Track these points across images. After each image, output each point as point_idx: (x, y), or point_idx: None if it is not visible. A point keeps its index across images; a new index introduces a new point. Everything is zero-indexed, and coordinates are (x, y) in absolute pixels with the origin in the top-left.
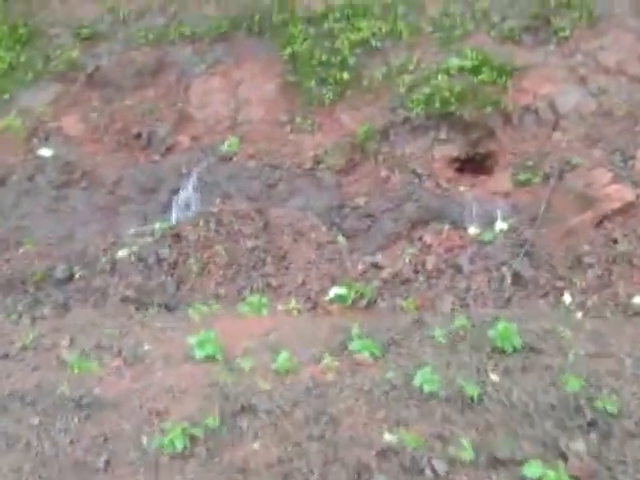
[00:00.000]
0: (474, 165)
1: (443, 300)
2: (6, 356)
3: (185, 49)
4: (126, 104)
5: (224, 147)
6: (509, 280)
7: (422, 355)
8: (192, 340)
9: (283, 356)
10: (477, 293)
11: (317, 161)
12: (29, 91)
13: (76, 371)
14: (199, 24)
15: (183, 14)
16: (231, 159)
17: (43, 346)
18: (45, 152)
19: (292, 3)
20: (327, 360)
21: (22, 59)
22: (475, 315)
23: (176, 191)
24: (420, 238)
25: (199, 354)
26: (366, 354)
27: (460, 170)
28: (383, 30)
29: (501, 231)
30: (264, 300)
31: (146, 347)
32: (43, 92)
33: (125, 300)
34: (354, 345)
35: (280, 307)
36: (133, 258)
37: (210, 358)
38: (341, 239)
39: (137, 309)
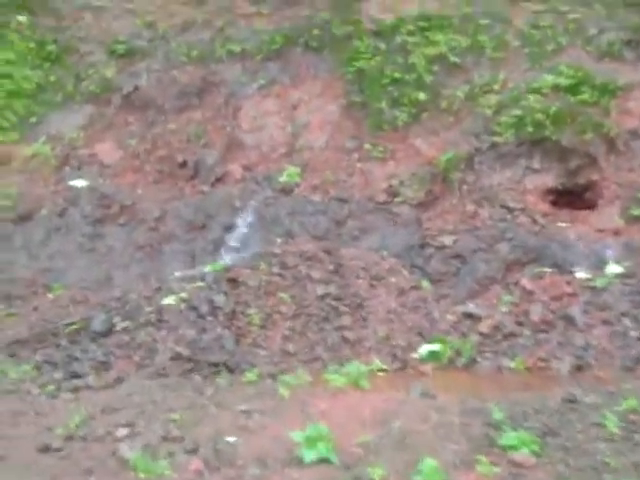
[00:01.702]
0: (572, 198)
1: (560, 360)
2: (46, 449)
3: (234, 67)
4: (169, 128)
5: (282, 177)
6: (635, 334)
7: (595, 452)
8: (298, 437)
9: (429, 465)
10: (598, 351)
11: (392, 193)
12: (59, 114)
13: (142, 476)
14: (249, 39)
15: (231, 29)
16: (291, 191)
17: (94, 435)
18: (78, 183)
19: (357, 14)
20: (482, 464)
21: (51, 79)
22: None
23: (229, 228)
24: (517, 283)
25: (308, 456)
26: (525, 452)
27: (556, 203)
28: (463, 44)
29: (616, 276)
30: (363, 369)
31: (230, 440)
32: (75, 115)
33: (176, 358)
34: (507, 439)
35: (362, 367)
36: (182, 306)
37: (324, 461)
38: (426, 284)
39: (191, 371)
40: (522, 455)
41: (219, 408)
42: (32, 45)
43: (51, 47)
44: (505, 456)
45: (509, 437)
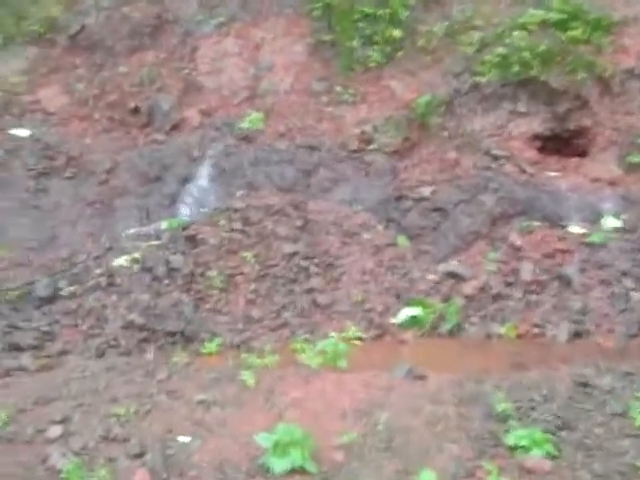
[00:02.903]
0: (562, 144)
1: (555, 326)
2: None
3: (190, 3)
4: (119, 71)
5: (244, 124)
6: (637, 295)
7: (621, 452)
8: (265, 441)
9: (427, 477)
10: (598, 315)
11: (364, 140)
12: None
13: None
14: None
15: None
16: (255, 139)
17: (22, 436)
18: (20, 132)
19: None
20: (488, 474)
21: None
22: None
23: (186, 180)
24: (504, 239)
25: (279, 466)
26: (537, 454)
27: (544, 150)
28: None
29: (614, 230)
30: (341, 347)
31: (184, 441)
32: (16, 58)
33: (129, 327)
34: (515, 437)
35: (334, 334)
36: (135, 268)
37: (297, 472)
38: (403, 240)
39: (145, 341)
40: (535, 459)
41: (172, 398)
42: None
43: None
44: (514, 460)
45: (517, 435)
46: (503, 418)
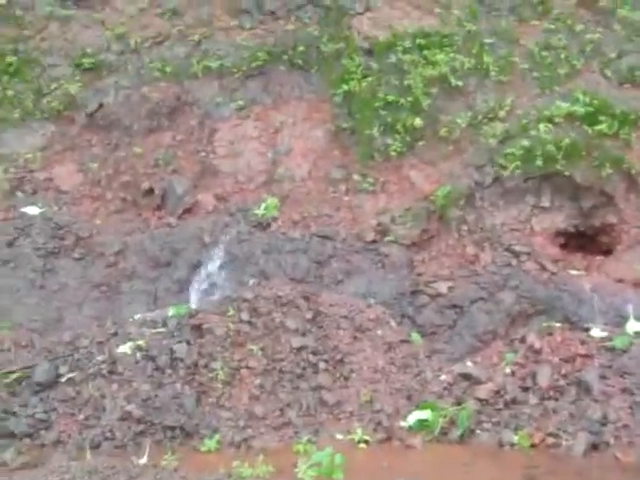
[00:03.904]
0: (586, 242)
1: (572, 436)
2: None
3: (211, 85)
4: (135, 152)
5: (259, 210)
6: None
7: None
8: None
9: None
10: (618, 426)
11: (381, 232)
12: (15, 132)
13: None
14: (228, 55)
15: (209, 43)
16: (269, 226)
17: None
18: (31, 210)
19: (347, 30)
20: None
21: (9, 93)
22: None
23: (197, 266)
24: (522, 340)
25: None
26: None
27: (567, 247)
28: (465, 65)
29: (637, 334)
30: (338, 458)
31: None
32: (33, 134)
33: (126, 419)
34: None
35: (340, 436)
36: (139, 356)
37: None
38: (417, 338)
39: (141, 434)
40: None
41: None
42: None
43: (11, 59)
44: None
45: None
46: None
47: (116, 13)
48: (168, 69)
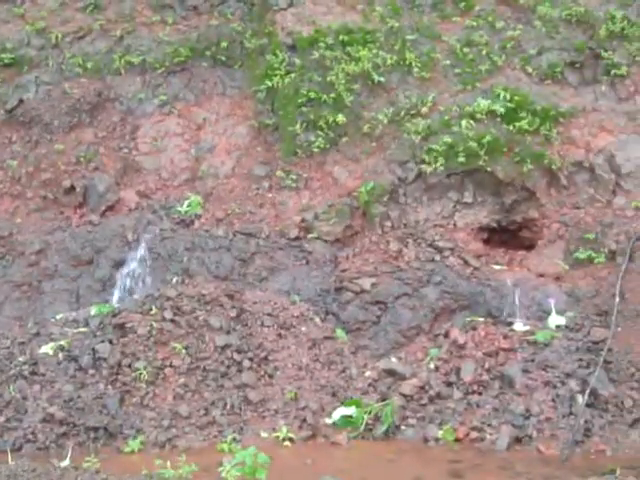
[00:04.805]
0: (509, 237)
1: (496, 430)
2: None
3: (133, 81)
4: (55, 149)
5: (182, 207)
6: (583, 400)
7: None
8: None
9: None
10: (541, 419)
11: (305, 228)
12: None
13: None
14: (151, 51)
15: (131, 38)
16: (192, 223)
17: None
18: None
19: (270, 26)
20: None
21: None
22: None
23: (119, 264)
24: (446, 335)
25: None
26: None
27: (489, 242)
28: (388, 61)
29: (559, 328)
30: (261, 458)
31: None
32: None
33: (48, 421)
34: None
35: (265, 434)
36: (61, 357)
37: None
38: (342, 334)
39: (64, 436)
40: None
41: None
42: None
43: None
44: None
45: None
46: None
47: (36, 7)
48: (89, 64)
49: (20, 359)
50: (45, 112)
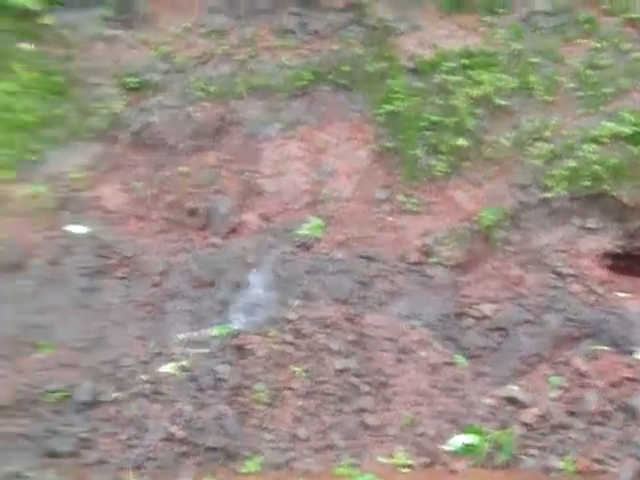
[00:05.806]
0: (634, 263)
1: (619, 463)
2: None
3: (255, 105)
4: (179, 171)
5: (303, 230)
6: None
7: None
8: None
9: None
10: None
11: (426, 253)
12: (61, 152)
13: None
14: (273, 75)
15: (253, 63)
16: (312, 247)
17: None
18: (76, 229)
19: (392, 49)
20: None
21: (55, 112)
22: None
23: (240, 286)
24: (568, 363)
25: None
26: None
27: (614, 269)
28: (510, 85)
29: None
30: None
31: None
32: (78, 154)
33: (169, 439)
34: None
35: (382, 460)
36: (182, 376)
37: None
38: (462, 360)
39: (184, 455)
40: None
41: None
42: (36, 75)
43: (57, 78)
44: None
45: None
46: None
47: (161, 33)
48: (212, 89)
49: (142, 378)
50: (170, 135)
